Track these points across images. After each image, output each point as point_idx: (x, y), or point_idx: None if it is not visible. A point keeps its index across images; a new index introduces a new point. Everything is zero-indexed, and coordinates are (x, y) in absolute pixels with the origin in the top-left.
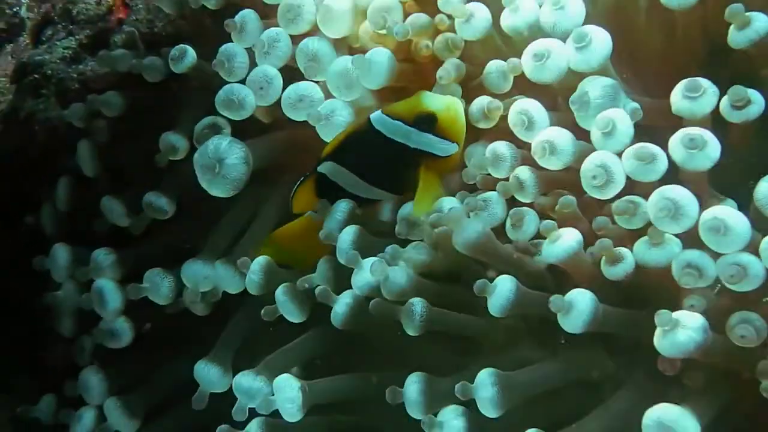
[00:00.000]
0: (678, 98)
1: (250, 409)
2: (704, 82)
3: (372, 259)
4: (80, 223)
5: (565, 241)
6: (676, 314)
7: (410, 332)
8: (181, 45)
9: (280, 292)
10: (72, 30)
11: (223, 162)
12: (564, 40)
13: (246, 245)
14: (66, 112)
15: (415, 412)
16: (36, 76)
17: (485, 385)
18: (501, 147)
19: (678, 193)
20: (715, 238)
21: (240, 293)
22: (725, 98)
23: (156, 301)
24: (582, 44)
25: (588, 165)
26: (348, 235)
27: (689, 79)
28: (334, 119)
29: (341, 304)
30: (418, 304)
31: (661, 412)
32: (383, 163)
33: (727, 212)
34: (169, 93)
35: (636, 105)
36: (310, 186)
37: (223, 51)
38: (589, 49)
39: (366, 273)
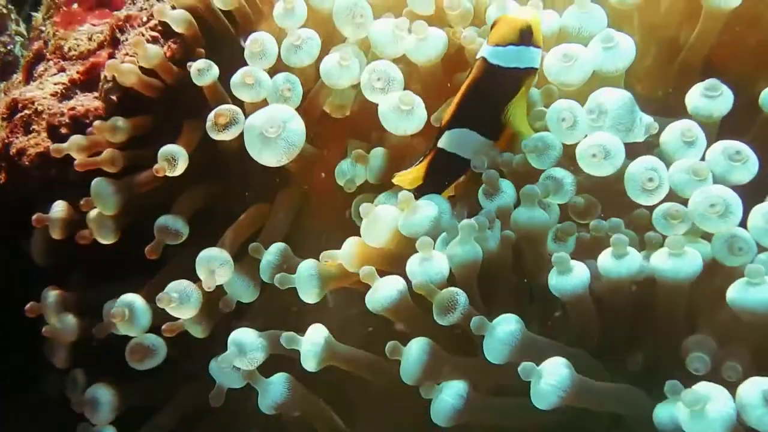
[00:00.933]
0: (696, 97)
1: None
2: (721, 84)
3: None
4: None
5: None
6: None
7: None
8: (207, 60)
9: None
10: (63, 66)
11: (287, 125)
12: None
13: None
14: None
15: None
16: (27, 111)
17: None
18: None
19: (725, 191)
20: None
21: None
22: None
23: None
24: (610, 44)
25: (638, 168)
26: None
27: (709, 79)
28: None
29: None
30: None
31: None
32: (499, 104)
33: None
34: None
35: (651, 119)
36: (422, 167)
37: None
38: (616, 49)
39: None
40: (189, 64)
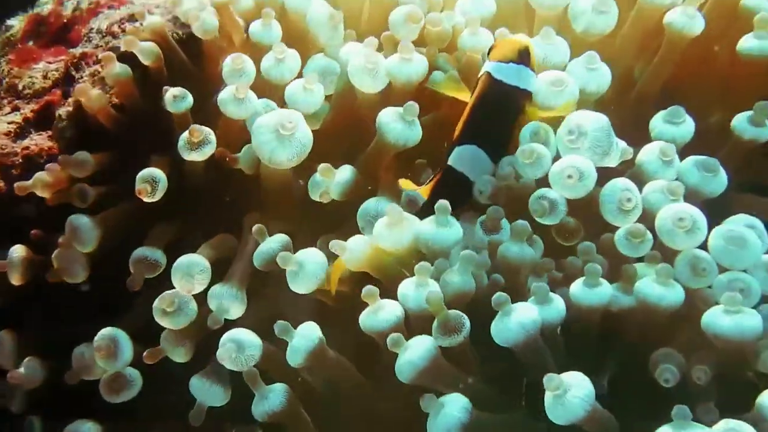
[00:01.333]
0: (660, 124)
1: None
2: (684, 112)
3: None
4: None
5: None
6: None
7: None
8: (182, 89)
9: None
10: (17, 105)
11: (299, 125)
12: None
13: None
14: None
15: None
16: None
17: None
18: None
19: (692, 208)
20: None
21: None
22: None
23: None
24: (594, 66)
25: (614, 189)
26: None
27: (673, 106)
28: None
29: None
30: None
31: None
32: (503, 120)
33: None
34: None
35: (625, 145)
36: (429, 187)
37: None
38: (599, 71)
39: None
40: (165, 88)
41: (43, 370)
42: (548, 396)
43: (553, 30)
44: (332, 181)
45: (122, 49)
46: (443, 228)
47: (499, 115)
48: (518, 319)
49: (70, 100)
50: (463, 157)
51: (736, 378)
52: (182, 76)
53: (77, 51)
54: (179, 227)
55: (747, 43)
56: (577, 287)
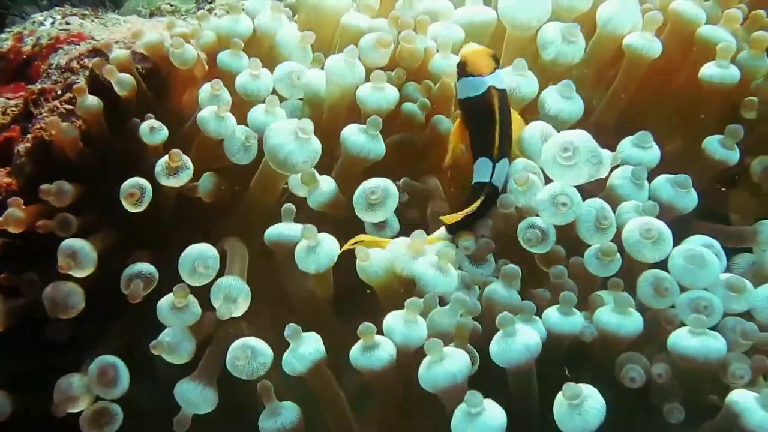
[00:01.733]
0: (628, 147)
1: None
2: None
3: None
4: None
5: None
6: None
7: None
8: (157, 121)
9: None
10: None
11: (310, 134)
12: None
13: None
14: None
15: None
16: None
17: None
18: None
19: (659, 222)
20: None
21: None
22: None
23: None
24: (570, 95)
25: (590, 209)
26: None
27: (641, 131)
28: None
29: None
30: None
31: None
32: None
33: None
34: None
35: (609, 152)
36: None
37: None
38: (575, 100)
39: None
40: (134, 120)
41: (9, 402)
42: (563, 405)
43: (525, 62)
44: (315, 190)
45: (103, 77)
46: (442, 275)
47: (509, 122)
48: (523, 341)
49: (29, 136)
50: (499, 173)
51: (698, 398)
52: (146, 109)
53: (36, 87)
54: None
55: (708, 70)
56: (552, 315)
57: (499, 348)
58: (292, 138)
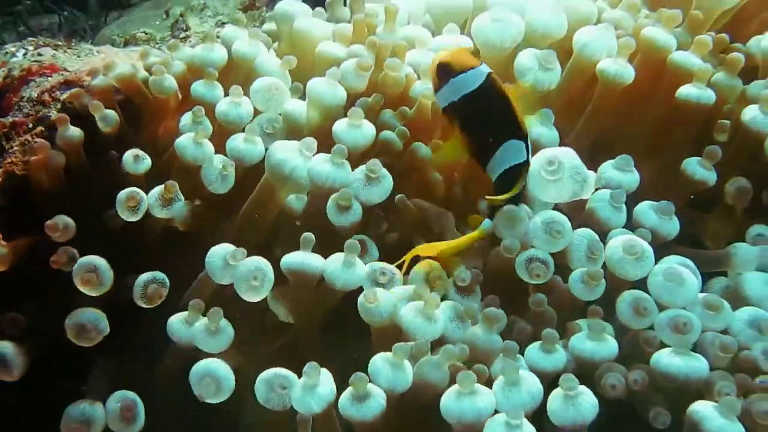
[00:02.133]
0: (610, 170)
1: None
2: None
3: None
4: None
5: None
6: None
7: None
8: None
9: None
10: None
11: (313, 152)
12: None
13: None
14: None
15: None
16: None
17: None
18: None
19: (641, 240)
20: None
21: None
22: None
23: None
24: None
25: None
26: None
27: (621, 155)
28: None
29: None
30: None
31: None
32: None
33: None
34: None
35: (593, 173)
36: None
37: None
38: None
39: None
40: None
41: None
42: (558, 396)
43: None
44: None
45: (79, 107)
46: (428, 322)
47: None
48: (528, 389)
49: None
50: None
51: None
52: (123, 140)
53: (7, 120)
54: None
55: (686, 90)
56: (534, 354)
57: (503, 396)
58: (296, 154)
